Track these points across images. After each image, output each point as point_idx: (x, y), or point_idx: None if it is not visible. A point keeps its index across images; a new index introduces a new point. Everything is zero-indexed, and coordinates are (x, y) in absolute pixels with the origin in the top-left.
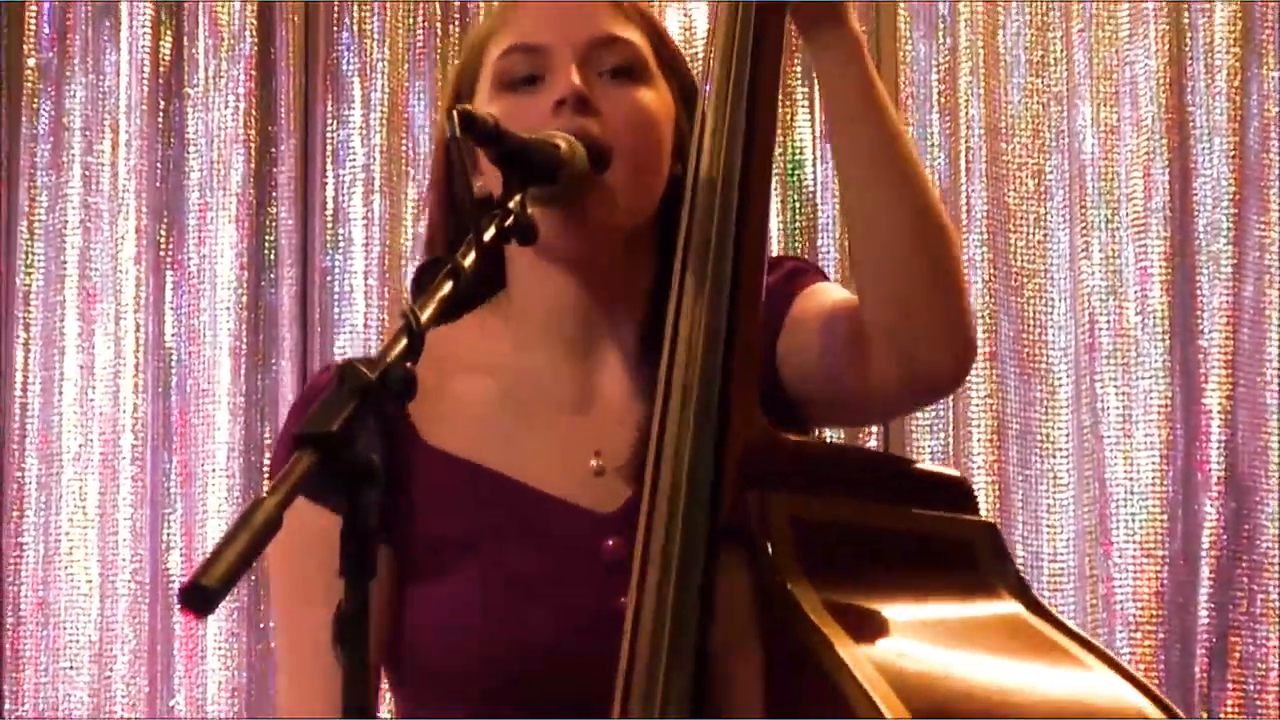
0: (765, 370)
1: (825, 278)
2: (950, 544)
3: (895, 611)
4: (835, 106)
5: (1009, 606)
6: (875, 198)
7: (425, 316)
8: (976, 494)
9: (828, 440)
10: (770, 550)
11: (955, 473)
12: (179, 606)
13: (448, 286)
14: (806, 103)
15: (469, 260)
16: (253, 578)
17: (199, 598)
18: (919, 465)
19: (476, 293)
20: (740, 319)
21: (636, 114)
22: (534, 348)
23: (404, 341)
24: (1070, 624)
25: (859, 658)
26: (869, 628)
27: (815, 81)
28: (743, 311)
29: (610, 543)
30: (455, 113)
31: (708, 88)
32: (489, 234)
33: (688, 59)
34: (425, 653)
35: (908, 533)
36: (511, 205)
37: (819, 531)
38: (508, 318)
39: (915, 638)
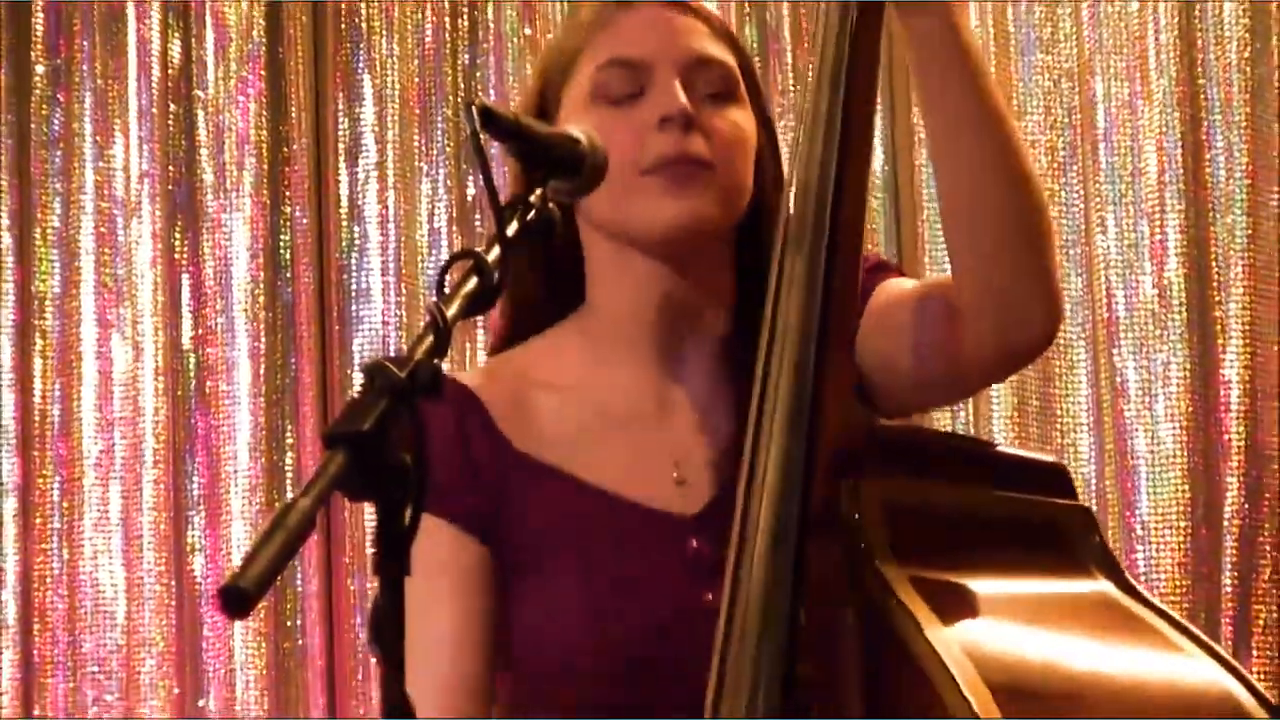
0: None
1: (901, 273)
2: (1042, 525)
3: (985, 592)
4: (924, 64)
5: (1099, 585)
6: (967, 158)
7: (451, 313)
8: (1072, 478)
9: (920, 426)
10: (863, 534)
11: (1051, 459)
12: (216, 608)
13: (473, 282)
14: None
15: (493, 255)
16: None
17: (237, 600)
18: (1014, 450)
19: (554, 310)
20: (835, 310)
21: (736, 135)
22: (613, 362)
23: (430, 339)
24: (1161, 604)
25: (947, 640)
26: (958, 609)
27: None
28: (837, 300)
29: (694, 543)
30: (474, 108)
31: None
32: (511, 229)
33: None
34: (529, 650)
35: (1001, 515)
36: (533, 199)
37: (911, 515)
38: (586, 332)
39: (1003, 617)
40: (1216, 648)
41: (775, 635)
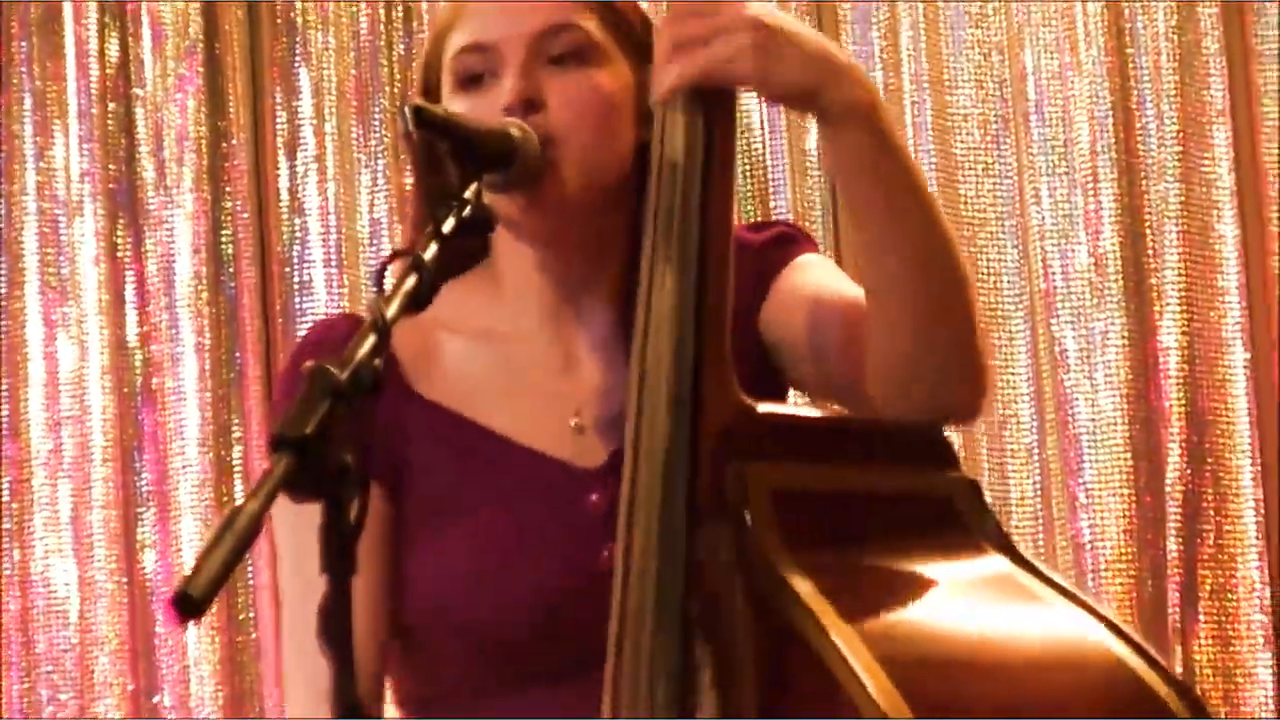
0: (747, 332)
1: (815, 246)
2: (932, 502)
3: (879, 576)
4: (844, 170)
5: (994, 562)
6: (882, 252)
7: (391, 313)
8: (955, 448)
9: (803, 407)
10: (751, 523)
11: (928, 421)
12: (167, 616)
13: (411, 280)
14: None
15: (430, 253)
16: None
17: (188, 606)
18: (895, 423)
19: (466, 259)
20: (709, 289)
21: (584, 100)
22: (517, 315)
23: (372, 339)
24: (1054, 574)
25: (840, 625)
26: (850, 593)
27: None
28: (711, 282)
29: (594, 497)
30: (407, 108)
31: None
32: (448, 225)
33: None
34: (423, 607)
35: (889, 494)
36: (468, 195)
37: (799, 501)
38: (494, 285)
39: (896, 599)
40: (1105, 612)
41: (667, 627)
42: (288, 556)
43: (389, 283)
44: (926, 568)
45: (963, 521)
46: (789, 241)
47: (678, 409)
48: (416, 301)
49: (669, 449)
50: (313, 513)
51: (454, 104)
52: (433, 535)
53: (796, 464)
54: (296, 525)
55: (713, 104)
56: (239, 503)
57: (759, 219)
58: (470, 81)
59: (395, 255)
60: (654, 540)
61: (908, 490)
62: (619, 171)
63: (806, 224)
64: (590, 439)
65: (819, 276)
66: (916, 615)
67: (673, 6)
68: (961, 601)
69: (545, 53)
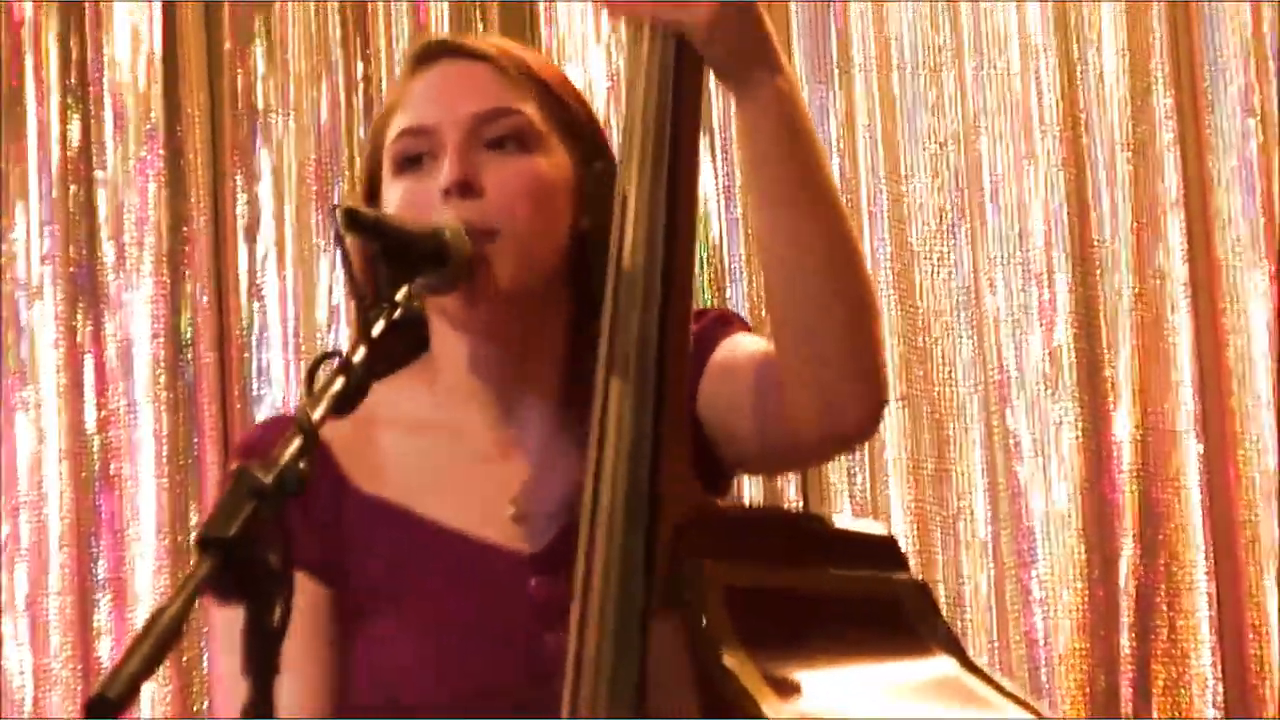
0: (688, 417)
1: (748, 328)
2: (881, 603)
3: (829, 675)
4: (753, 149)
5: (941, 664)
6: (788, 237)
7: (317, 416)
8: (904, 552)
9: (758, 505)
10: (704, 621)
11: (883, 531)
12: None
13: (339, 383)
14: (708, 155)
15: (359, 356)
16: (184, 659)
17: (104, 709)
18: (847, 527)
19: (403, 354)
20: (668, 389)
21: (522, 185)
22: (456, 405)
23: (298, 442)
24: (1003, 680)
25: None
26: (802, 694)
27: (714, 131)
28: (670, 381)
29: (534, 582)
30: (339, 211)
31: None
32: (377, 328)
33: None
34: (371, 696)
35: (840, 595)
36: (399, 298)
37: (752, 599)
38: (431, 379)
39: (846, 700)
40: (1049, 716)
41: (621, 716)
42: (220, 639)
43: (320, 383)
44: (874, 667)
45: (910, 623)
46: (724, 323)
47: (636, 502)
48: (344, 404)
49: (625, 541)
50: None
51: (393, 186)
52: (375, 624)
53: (750, 562)
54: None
55: (676, 180)
56: (159, 604)
57: (716, 306)
58: (409, 163)
59: (325, 356)
60: (609, 632)
61: (858, 591)
62: (556, 260)
63: (762, 312)
64: (529, 527)
65: (750, 344)
66: (861, 713)
67: None
68: (907, 702)
69: (483, 136)
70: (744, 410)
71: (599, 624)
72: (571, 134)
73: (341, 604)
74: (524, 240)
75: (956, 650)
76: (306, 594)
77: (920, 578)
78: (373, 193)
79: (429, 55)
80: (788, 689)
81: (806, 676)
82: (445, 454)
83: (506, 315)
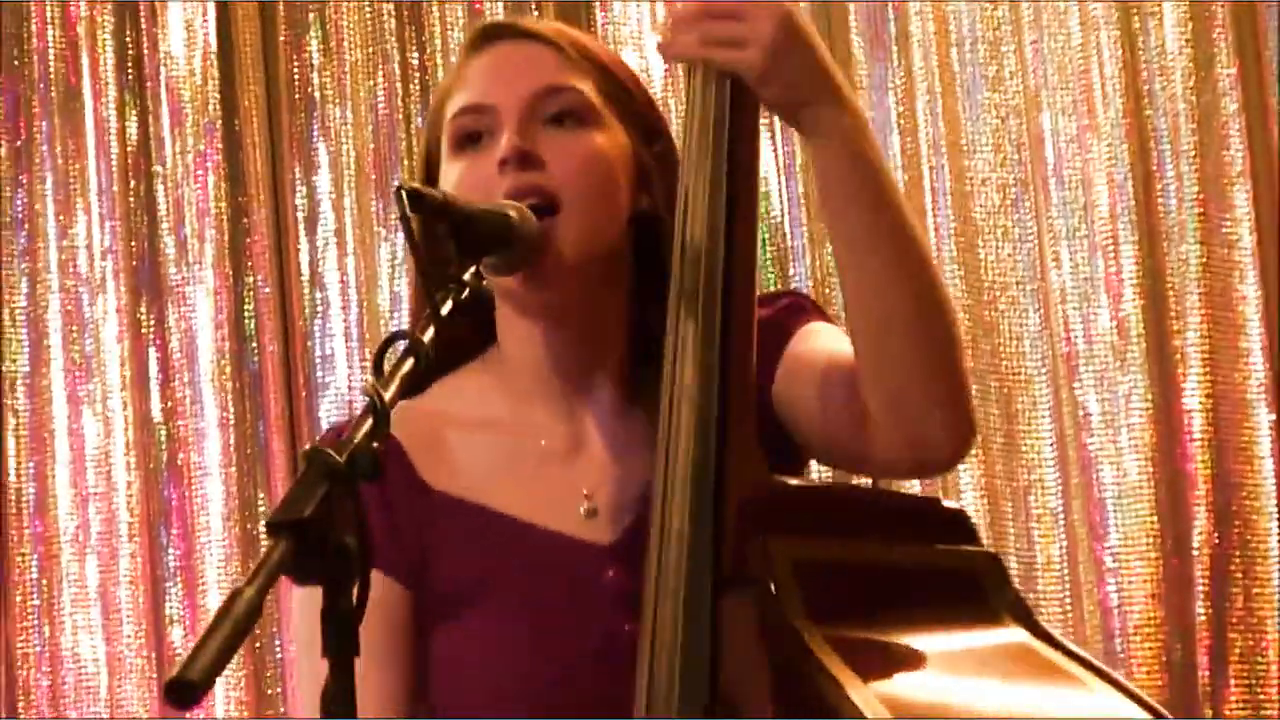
0: (762, 403)
1: (824, 315)
2: (952, 575)
3: (902, 647)
4: (825, 189)
5: (1013, 634)
6: (866, 273)
7: (389, 395)
8: (975, 524)
9: (825, 481)
10: (775, 595)
11: (954, 505)
12: (164, 701)
13: (409, 364)
14: (769, 134)
15: (428, 335)
16: (257, 644)
17: (185, 691)
18: (917, 499)
19: (469, 349)
20: (733, 367)
21: (582, 158)
22: (524, 399)
23: (370, 422)
24: (1074, 646)
25: (868, 697)
26: (876, 665)
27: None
28: (735, 359)
29: (611, 573)
30: (403, 191)
31: (689, 146)
32: (445, 308)
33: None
34: (452, 691)
35: (910, 567)
36: (466, 278)
37: (822, 573)
38: (499, 371)
39: (922, 671)
40: (1124, 682)
41: (694, 697)
42: (301, 634)
43: (389, 365)
44: (947, 639)
45: (983, 594)
46: (798, 310)
47: (702, 482)
48: (415, 384)
49: (694, 521)
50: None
51: (452, 165)
52: (457, 621)
53: (819, 537)
54: (306, 605)
55: (737, 176)
56: (236, 587)
57: (778, 287)
58: (468, 141)
59: (393, 338)
60: (681, 612)
61: (928, 564)
62: (617, 237)
63: (825, 292)
64: (602, 518)
65: (827, 342)
66: (937, 685)
67: None
68: (982, 673)
69: (542, 113)
70: (815, 413)
71: (671, 601)
72: (629, 114)
73: (420, 603)
74: (586, 213)
75: (1029, 620)
76: (387, 595)
77: (990, 548)
78: (430, 175)
79: (487, 36)
80: (862, 663)
81: (880, 649)
82: (517, 448)
83: (572, 295)
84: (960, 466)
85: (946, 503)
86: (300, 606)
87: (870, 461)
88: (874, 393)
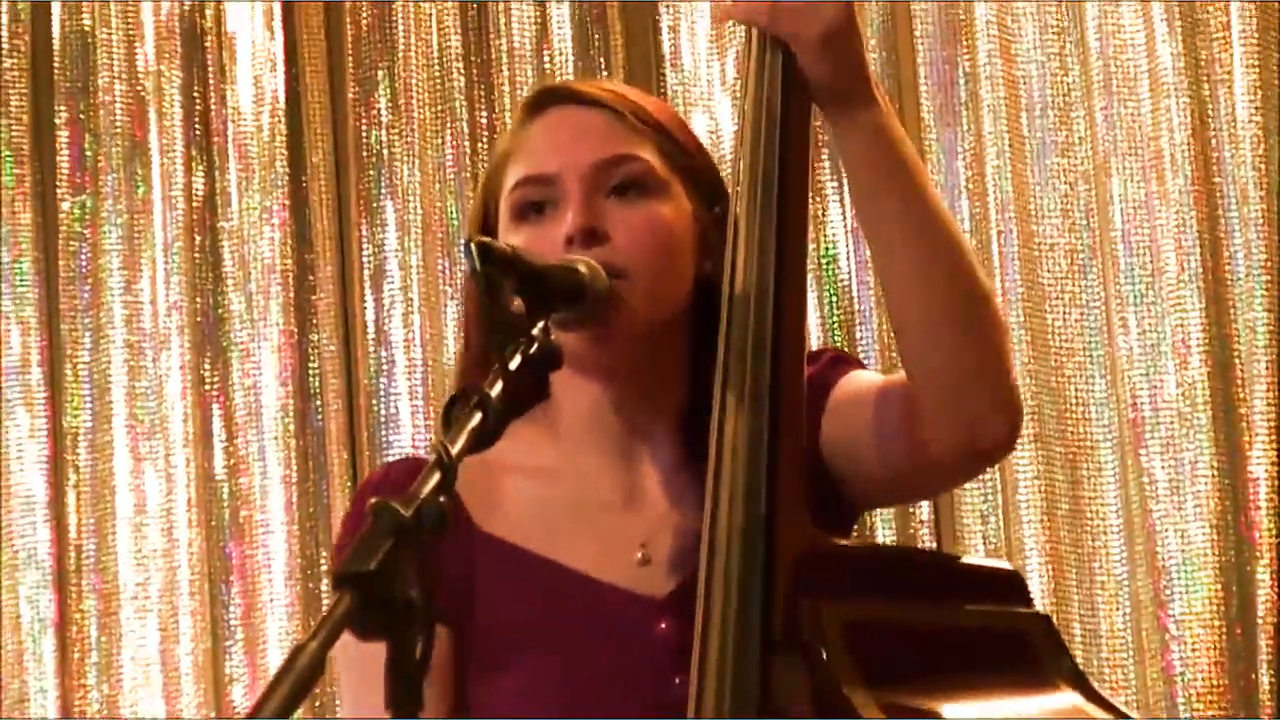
0: (810, 456)
1: (863, 367)
2: (1004, 638)
3: (953, 711)
4: (856, 180)
5: (1067, 698)
6: (903, 265)
7: (456, 450)
8: (1028, 584)
9: (875, 542)
10: (826, 658)
11: (1005, 565)
12: None
13: (477, 418)
14: (837, 197)
15: (496, 390)
16: (317, 704)
17: None
18: (968, 560)
19: (528, 399)
20: (782, 425)
21: (647, 230)
22: (578, 453)
23: (437, 476)
24: (1129, 711)
25: None
26: None
27: (844, 175)
28: (785, 418)
29: (663, 625)
30: (473, 245)
31: (737, 193)
32: (514, 362)
33: (711, 155)
34: None
35: (961, 630)
36: (535, 332)
37: (873, 636)
38: (553, 425)
39: None
40: None
41: None
42: (348, 691)
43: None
44: (999, 704)
45: (1035, 657)
46: (841, 362)
47: (752, 544)
48: (482, 439)
49: (743, 579)
50: (374, 647)
51: (513, 235)
52: (503, 670)
53: (870, 598)
54: (352, 661)
55: (786, 203)
56: (298, 643)
57: (844, 348)
58: (530, 210)
59: (462, 393)
60: (728, 670)
61: (980, 626)
62: (680, 303)
63: (892, 356)
64: (656, 570)
65: (870, 378)
66: None
67: None
68: None
69: (605, 184)
70: (869, 439)
71: (718, 661)
72: (692, 178)
73: (463, 647)
74: (652, 282)
75: (1082, 684)
76: (440, 646)
77: (1044, 610)
78: (484, 233)
79: (543, 102)
80: None
81: (930, 713)
82: (571, 500)
83: (632, 355)
84: (1026, 533)
85: (999, 563)
86: (344, 660)
87: (931, 466)
88: (926, 386)
